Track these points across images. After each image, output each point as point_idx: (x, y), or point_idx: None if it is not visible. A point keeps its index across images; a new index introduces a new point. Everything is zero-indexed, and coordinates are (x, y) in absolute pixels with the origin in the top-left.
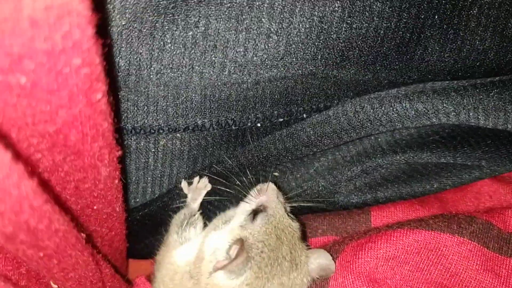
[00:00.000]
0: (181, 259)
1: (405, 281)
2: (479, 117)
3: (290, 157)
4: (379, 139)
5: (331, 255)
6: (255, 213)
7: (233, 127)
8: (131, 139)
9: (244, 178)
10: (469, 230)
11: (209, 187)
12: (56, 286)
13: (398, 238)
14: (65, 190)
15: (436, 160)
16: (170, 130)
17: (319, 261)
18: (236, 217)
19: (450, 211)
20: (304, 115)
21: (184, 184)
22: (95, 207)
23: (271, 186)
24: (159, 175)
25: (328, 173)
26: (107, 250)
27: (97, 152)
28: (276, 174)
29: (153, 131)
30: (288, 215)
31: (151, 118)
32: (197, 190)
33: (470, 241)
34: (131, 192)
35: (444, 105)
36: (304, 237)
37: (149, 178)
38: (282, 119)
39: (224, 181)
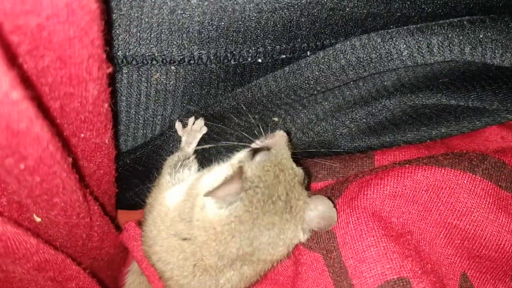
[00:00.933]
0: (173, 201)
1: (413, 221)
2: (496, 53)
3: (292, 97)
4: (385, 81)
5: (333, 196)
6: (256, 151)
7: (232, 62)
8: (122, 72)
9: (242, 121)
10: (481, 167)
11: (204, 129)
12: (39, 219)
13: (406, 174)
14: (49, 110)
15: (446, 101)
16: (164, 61)
17: (319, 208)
18: (237, 154)
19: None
20: (308, 53)
21: (178, 125)
22: (82, 135)
23: (281, 132)
24: (151, 115)
25: (331, 115)
26: (95, 191)
27: (85, 61)
28: (275, 119)
29: (146, 62)
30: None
31: (144, 47)
32: (192, 132)
33: (482, 179)
34: (121, 134)
35: (460, 38)
36: (308, 187)
37: (140, 118)
38: (284, 56)
39: (221, 124)
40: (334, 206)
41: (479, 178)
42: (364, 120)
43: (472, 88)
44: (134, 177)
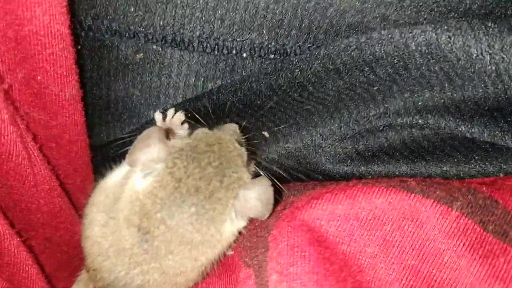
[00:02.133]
0: (116, 177)
1: (367, 256)
2: None
3: (282, 102)
4: (397, 98)
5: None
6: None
7: (219, 51)
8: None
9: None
10: (462, 201)
11: (186, 125)
12: None
13: (365, 195)
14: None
15: (465, 130)
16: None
17: (257, 188)
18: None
19: None
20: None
21: (158, 116)
22: (38, 78)
23: (232, 125)
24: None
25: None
26: (56, 156)
27: None
28: (265, 134)
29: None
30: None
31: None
32: (172, 126)
33: (461, 215)
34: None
35: None
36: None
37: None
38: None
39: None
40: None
41: (457, 213)
42: (357, 140)
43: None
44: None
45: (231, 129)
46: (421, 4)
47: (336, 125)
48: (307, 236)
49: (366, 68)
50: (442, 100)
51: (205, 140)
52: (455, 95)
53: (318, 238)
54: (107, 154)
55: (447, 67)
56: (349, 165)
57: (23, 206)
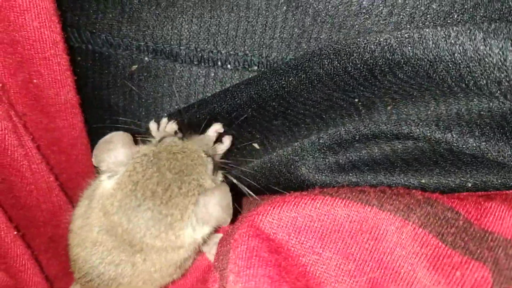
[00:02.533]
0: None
1: (324, 268)
2: None
3: (264, 112)
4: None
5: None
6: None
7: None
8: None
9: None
10: (420, 213)
11: (180, 135)
12: None
13: (322, 206)
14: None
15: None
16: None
17: (216, 193)
18: None
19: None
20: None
21: (152, 125)
22: (35, 81)
23: (208, 136)
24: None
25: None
26: (59, 159)
27: None
28: (255, 145)
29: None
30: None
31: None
32: (166, 135)
33: (417, 228)
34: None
35: None
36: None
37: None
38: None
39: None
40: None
41: (414, 226)
42: (344, 149)
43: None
44: None
45: (204, 140)
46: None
47: (318, 136)
48: (265, 242)
49: (349, 79)
50: (435, 113)
51: (169, 149)
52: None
53: (276, 246)
54: None
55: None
56: (328, 176)
57: (22, 202)
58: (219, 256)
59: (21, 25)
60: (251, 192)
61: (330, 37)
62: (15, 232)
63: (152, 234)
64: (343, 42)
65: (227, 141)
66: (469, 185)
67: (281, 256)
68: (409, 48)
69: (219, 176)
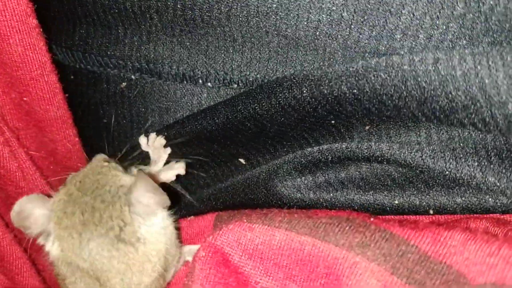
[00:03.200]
0: None
1: None
2: None
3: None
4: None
5: None
6: None
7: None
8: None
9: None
10: (375, 247)
11: (168, 150)
12: None
13: (283, 239)
14: None
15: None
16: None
17: (138, 184)
18: None
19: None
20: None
21: (142, 140)
22: (25, 99)
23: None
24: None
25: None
26: (55, 170)
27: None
28: (241, 161)
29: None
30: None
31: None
32: (155, 150)
33: (372, 263)
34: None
35: None
36: None
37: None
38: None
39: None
40: None
41: (369, 262)
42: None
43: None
44: None
45: (95, 158)
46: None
47: (294, 155)
48: (225, 267)
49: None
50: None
51: (72, 180)
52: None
53: (235, 270)
54: None
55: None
56: (304, 194)
57: None
58: (189, 269)
59: (7, 49)
60: (186, 194)
61: (305, 62)
62: (11, 237)
63: (110, 258)
64: (314, 72)
65: (180, 168)
66: (444, 206)
67: (240, 282)
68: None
69: (133, 171)
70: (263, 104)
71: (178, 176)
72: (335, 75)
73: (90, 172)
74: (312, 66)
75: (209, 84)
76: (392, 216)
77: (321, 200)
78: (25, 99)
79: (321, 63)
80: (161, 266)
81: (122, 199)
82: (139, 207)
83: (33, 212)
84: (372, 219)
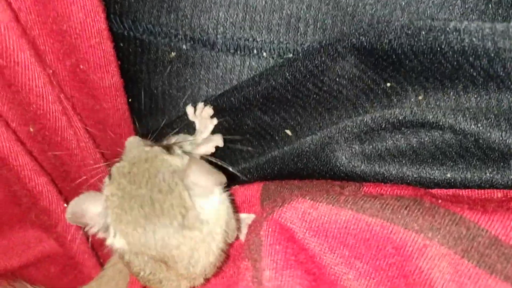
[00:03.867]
0: None
1: (349, 275)
2: None
3: (299, 94)
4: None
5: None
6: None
7: (241, 51)
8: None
9: (252, 120)
10: (445, 231)
11: (215, 121)
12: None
13: (350, 219)
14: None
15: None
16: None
17: (193, 168)
18: None
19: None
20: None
21: (189, 109)
22: (81, 66)
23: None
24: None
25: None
26: (104, 137)
27: None
28: (288, 132)
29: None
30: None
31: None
32: (202, 120)
33: (442, 247)
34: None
35: None
36: None
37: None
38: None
39: (234, 117)
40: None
41: (438, 245)
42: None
43: None
44: None
45: (130, 143)
46: None
47: (345, 124)
48: (291, 242)
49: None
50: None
51: (119, 171)
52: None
53: (301, 247)
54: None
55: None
56: (355, 165)
57: (72, 177)
58: (249, 244)
59: (68, 16)
60: (229, 166)
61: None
62: (65, 205)
63: (174, 245)
64: (380, 25)
65: (218, 139)
66: (497, 181)
67: (307, 258)
68: (455, 36)
69: (176, 149)
70: (324, 59)
71: (220, 148)
72: (396, 28)
73: (135, 161)
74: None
75: (264, 54)
76: (459, 194)
77: (372, 172)
78: (81, 67)
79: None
80: (224, 242)
81: (180, 186)
82: (198, 189)
83: (88, 211)
84: (440, 201)
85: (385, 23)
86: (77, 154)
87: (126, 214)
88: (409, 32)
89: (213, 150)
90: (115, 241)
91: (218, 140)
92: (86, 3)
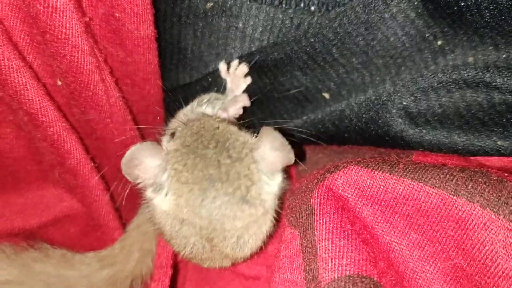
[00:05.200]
0: None
1: (400, 246)
2: None
3: (346, 51)
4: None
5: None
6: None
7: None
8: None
9: (291, 80)
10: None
11: (248, 80)
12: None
13: (408, 190)
14: None
15: None
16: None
17: (264, 139)
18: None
19: None
20: None
21: (222, 66)
22: (117, 15)
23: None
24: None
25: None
26: (131, 92)
27: None
28: (325, 95)
29: None
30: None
31: None
32: (235, 78)
33: (508, 222)
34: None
35: None
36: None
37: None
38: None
39: (270, 77)
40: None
41: (505, 220)
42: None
43: None
44: None
45: (201, 100)
46: None
47: (393, 82)
48: (346, 212)
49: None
50: None
51: (188, 132)
52: None
53: (355, 215)
54: (176, 97)
55: None
56: (404, 127)
57: (98, 134)
58: (294, 212)
59: None
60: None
61: None
62: (92, 164)
63: (229, 217)
64: None
65: (244, 99)
66: None
67: (362, 228)
68: None
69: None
70: (372, 14)
71: (257, 111)
72: None
73: (205, 125)
74: None
75: (312, 8)
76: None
77: (419, 137)
78: (116, 15)
79: None
80: (272, 227)
81: (249, 156)
82: (265, 165)
83: (145, 161)
84: (506, 174)
85: None
86: (106, 111)
87: (188, 172)
88: None
89: (241, 111)
90: (164, 201)
91: (244, 100)
92: None
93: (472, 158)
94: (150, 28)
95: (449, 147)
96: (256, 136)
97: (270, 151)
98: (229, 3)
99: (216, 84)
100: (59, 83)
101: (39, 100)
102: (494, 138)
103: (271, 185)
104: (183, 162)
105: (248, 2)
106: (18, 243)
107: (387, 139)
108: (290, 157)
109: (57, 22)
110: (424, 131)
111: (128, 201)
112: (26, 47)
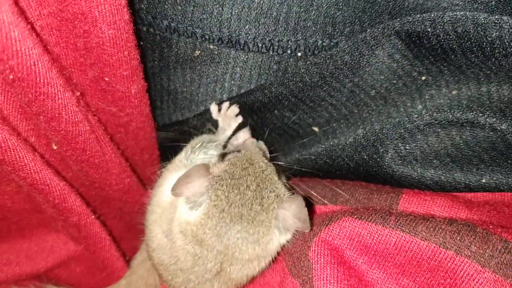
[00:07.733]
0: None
1: None
2: None
3: (333, 92)
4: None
5: (330, 219)
6: (225, 155)
7: (274, 51)
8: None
9: (277, 117)
10: (498, 260)
11: (240, 119)
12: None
13: (400, 242)
14: (75, 48)
15: None
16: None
17: (293, 207)
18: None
19: (501, 224)
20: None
21: (213, 107)
22: (106, 79)
23: (253, 141)
24: (203, 93)
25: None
26: (130, 143)
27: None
28: (315, 129)
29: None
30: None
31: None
32: (226, 118)
33: (494, 275)
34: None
35: None
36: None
37: (190, 96)
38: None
39: (258, 116)
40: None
41: (490, 273)
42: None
43: None
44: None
45: (256, 145)
46: None
47: (381, 126)
48: (342, 265)
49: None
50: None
51: (239, 164)
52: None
53: (352, 270)
54: (169, 133)
55: None
56: (391, 167)
57: (96, 186)
58: (294, 261)
59: (96, 34)
60: (322, 199)
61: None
62: (93, 216)
63: (241, 250)
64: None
65: (246, 134)
66: None
67: (358, 280)
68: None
69: (283, 178)
70: (356, 57)
71: None
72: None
73: (255, 165)
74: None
75: (299, 53)
76: (495, 200)
77: (408, 176)
78: (106, 79)
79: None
80: (268, 265)
81: (274, 212)
82: (283, 224)
83: (196, 181)
84: (491, 226)
85: (440, 12)
86: (102, 166)
87: (227, 203)
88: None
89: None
90: (194, 216)
91: (246, 134)
92: (116, 19)
93: (459, 194)
94: (140, 85)
95: (437, 184)
96: (289, 189)
97: (292, 217)
98: (216, 51)
99: (209, 120)
100: (55, 147)
101: (37, 172)
102: (478, 176)
103: (281, 239)
104: (226, 193)
105: (234, 52)
106: (26, 285)
107: (378, 178)
108: (305, 227)
109: (50, 106)
110: (412, 170)
111: (128, 232)
112: (20, 124)
